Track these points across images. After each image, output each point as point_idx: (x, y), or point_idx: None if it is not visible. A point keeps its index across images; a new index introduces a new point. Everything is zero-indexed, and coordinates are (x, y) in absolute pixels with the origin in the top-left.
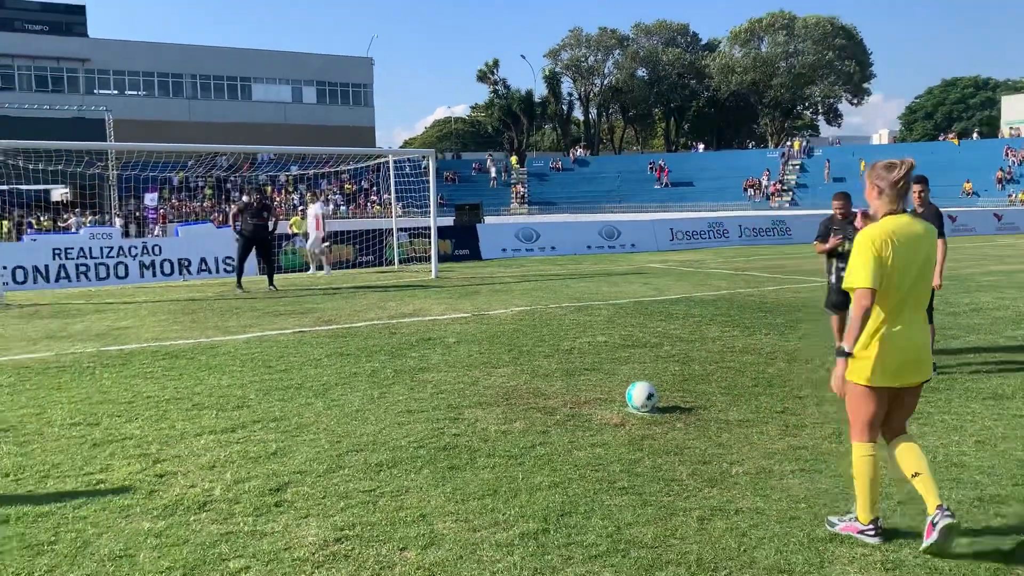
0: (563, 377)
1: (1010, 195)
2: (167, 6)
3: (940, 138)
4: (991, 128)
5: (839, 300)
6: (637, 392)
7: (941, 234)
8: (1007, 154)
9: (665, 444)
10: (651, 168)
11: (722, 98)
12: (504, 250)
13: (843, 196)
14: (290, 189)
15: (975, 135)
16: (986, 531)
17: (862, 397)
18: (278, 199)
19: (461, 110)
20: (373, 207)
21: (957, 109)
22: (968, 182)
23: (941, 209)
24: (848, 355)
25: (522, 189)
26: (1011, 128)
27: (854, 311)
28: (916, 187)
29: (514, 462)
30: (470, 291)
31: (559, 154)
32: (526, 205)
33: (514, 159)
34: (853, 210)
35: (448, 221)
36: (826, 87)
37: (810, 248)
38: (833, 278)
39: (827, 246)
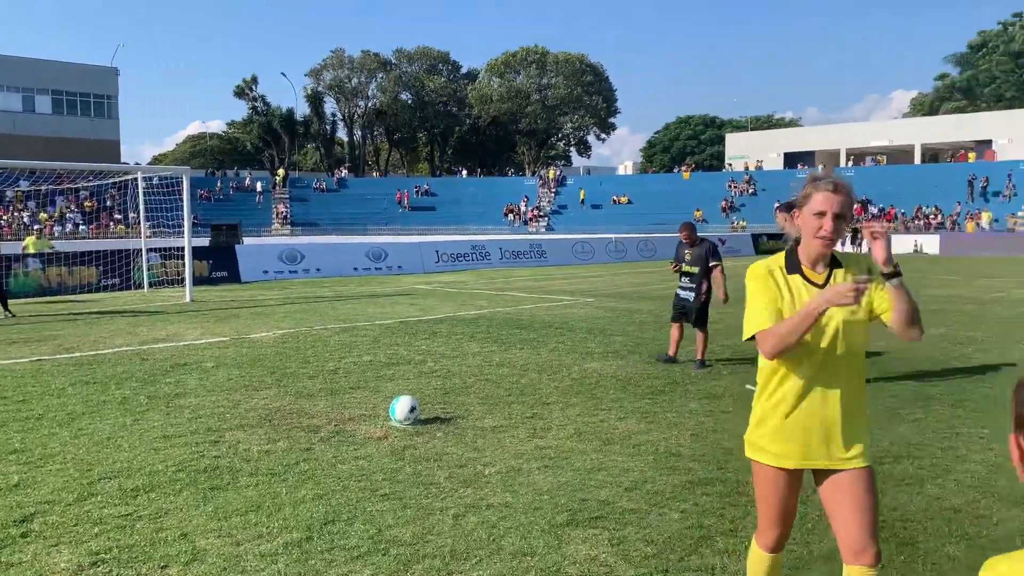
0: (327, 396)
1: (733, 222)
2: None
3: (675, 170)
4: (718, 162)
5: (676, 315)
6: (400, 406)
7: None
8: (730, 186)
9: (425, 452)
10: (417, 192)
11: (483, 126)
12: (266, 272)
13: (688, 226)
14: (19, 206)
15: (707, 167)
16: (694, 508)
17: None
18: (5, 217)
19: (217, 126)
20: (116, 227)
21: (690, 144)
22: (698, 210)
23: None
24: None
25: (284, 209)
26: (731, 163)
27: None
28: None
29: (277, 479)
30: (229, 314)
31: (323, 174)
32: (288, 225)
33: (280, 173)
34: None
35: (204, 242)
36: (577, 119)
37: (562, 270)
38: (682, 293)
39: (673, 268)
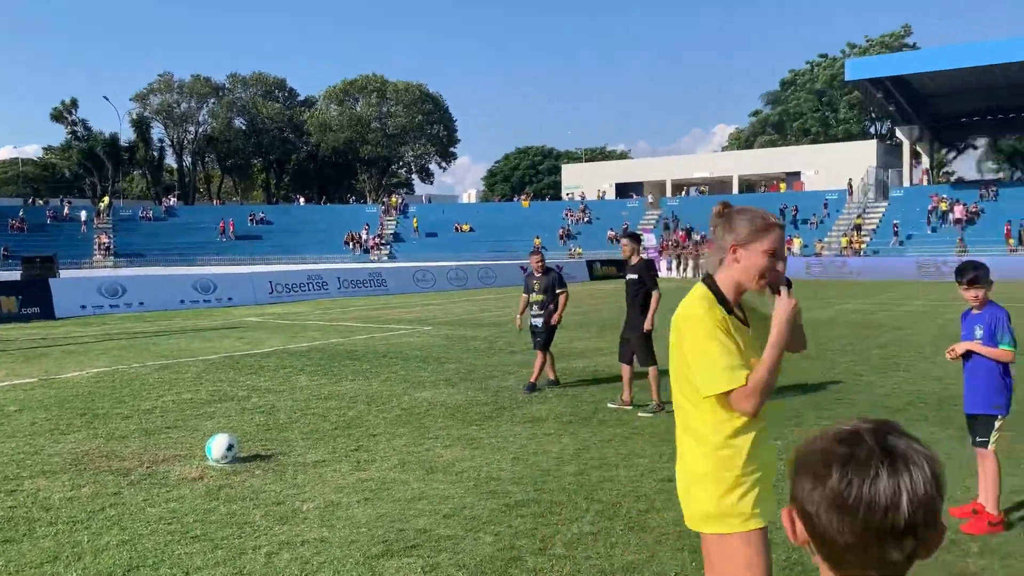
0: (141, 437)
1: (570, 250)
2: None
3: (515, 199)
4: (555, 191)
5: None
6: (216, 445)
7: (655, 286)
8: (567, 215)
9: (242, 491)
10: (251, 220)
11: (322, 153)
12: (84, 307)
13: (539, 255)
14: None
15: (548, 198)
16: (507, 531)
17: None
18: None
19: (32, 151)
20: None
21: (529, 174)
22: (537, 238)
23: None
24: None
25: (107, 240)
26: (568, 192)
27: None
28: (624, 243)
29: (79, 526)
30: (39, 353)
31: (149, 203)
32: (112, 257)
33: (104, 201)
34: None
35: (15, 275)
36: (418, 148)
37: (402, 298)
38: (534, 320)
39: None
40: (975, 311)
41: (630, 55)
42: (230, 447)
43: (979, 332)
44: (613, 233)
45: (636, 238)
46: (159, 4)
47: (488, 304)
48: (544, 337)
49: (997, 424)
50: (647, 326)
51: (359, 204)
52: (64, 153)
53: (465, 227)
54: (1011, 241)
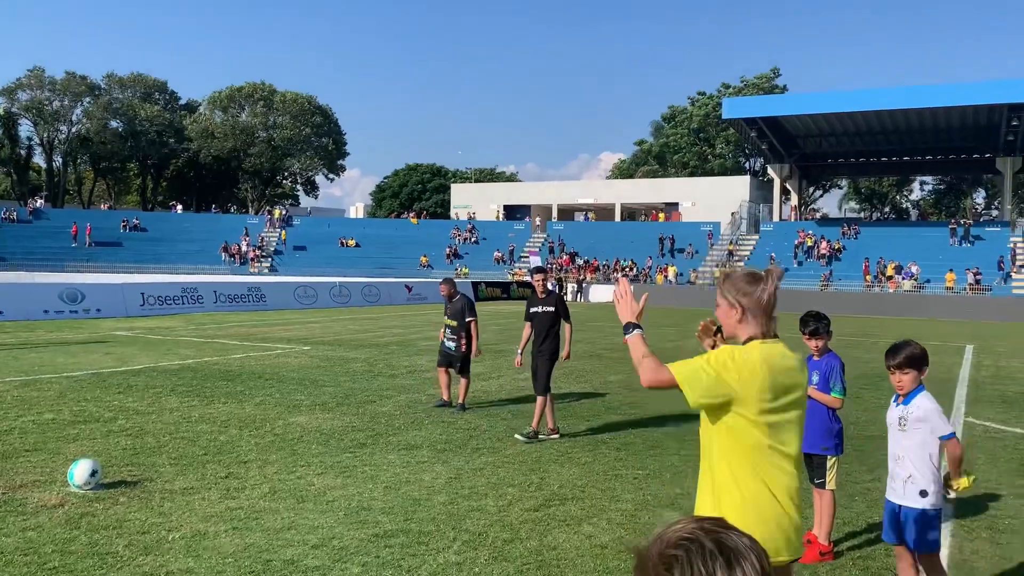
0: None
1: (456, 269)
2: None
3: (403, 215)
4: (443, 209)
5: (441, 360)
6: (79, 470)
7: (567, 317)
8: (455, 234)
9: (106, 519)
10: (124, 226)
11: (203, 160)
12: None
13: (448, 282)
14: None
15: (426, 216)
16: (375, 561)
17: None
18: None
19: None
20: None
21: (417, 190)
22: (424, 256)
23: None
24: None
25: None
26: (457, 211)
27: (652, 364)
28: (538, 276)
29: None
30: None
31: (14, 203)
32: None
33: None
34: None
35: None
36: (304, 160)
37: (282, 315)
38: (447, 343)
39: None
40: (815, 358)
41: (523, 78)
42: (93, 472)
43: (815, 378)
44: (500, 254)
45: (546, 271)
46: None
47: (370, 324)
48: (462, 362)
49: (830, 463)
50: (565, 354)
51: (240, 214)
52: None
53: (351, 242)
54: (868, 277)
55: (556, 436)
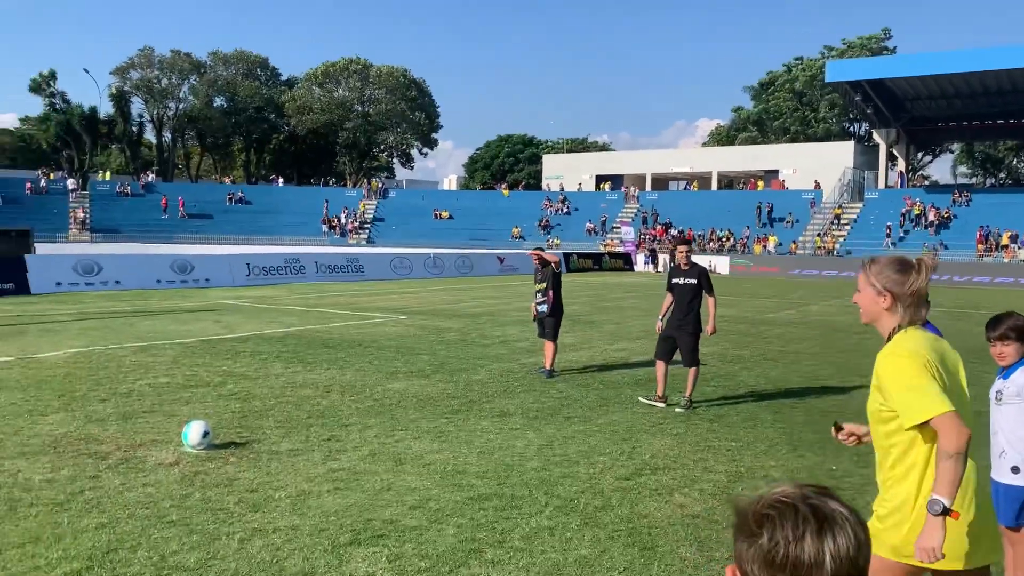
0: (119, 421)
1: (548, 240)
2: None
3: (495, 187)
4: (535, 181)
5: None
6: (192, 431)
7: (711, 291)
8: (546, 205)
9: (217, 478)
10: (229, 199)
11: (302, 135)
12: (59, 284)
13: (539, 249)
14: None
15: (522, 187)
16: (469, 523)
17: None
18: None
19: (9, 120)
20: None
21: (509, 162)
22: (516, 228)
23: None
24: (948, 512)
25: (83, 214)
26: (548, 182)
27: (948, 446)
28: (682, 248)
29: (60, 508)
30: (15, 331)
31: (128, 178)
32: (88, 232)
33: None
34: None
35: None
36: (398, 135)
37: (379, 285)
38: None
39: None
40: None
41: (616, 45)
42: (205, 434)
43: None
44: (592, 225)
45: (690, 243)
46: None
47: (463, 294)
48: (548, 327)
49: None
50: (710, 329)
51: (339, 187)
52: (41, 125)
53: (444, 214)
54: (980, 247)
55: (662, 405)
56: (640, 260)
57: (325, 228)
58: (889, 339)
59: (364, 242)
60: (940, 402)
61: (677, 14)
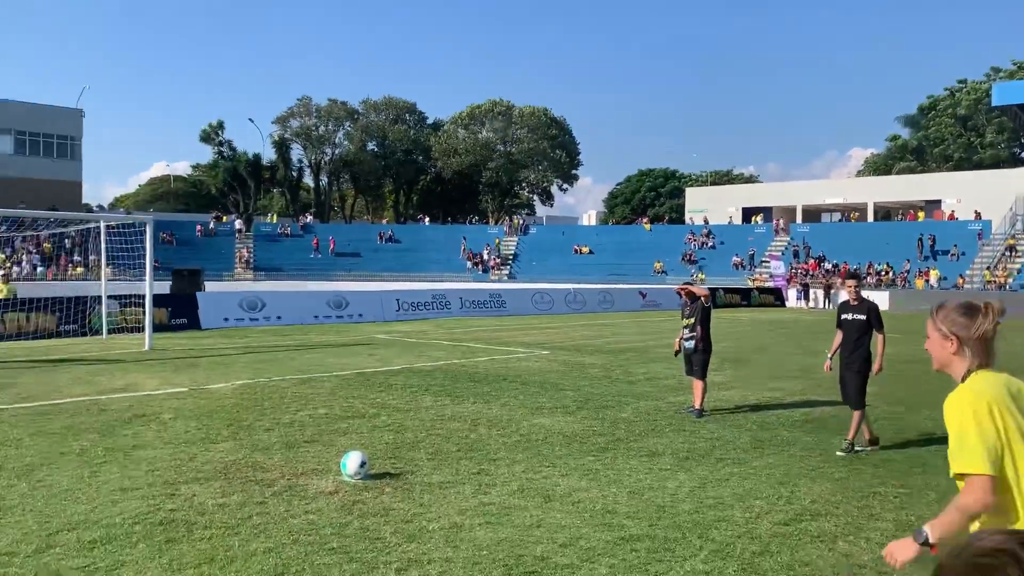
0: (283, 450)
1: (692, 275)
2: None
3: (636, 222)
4: (677, 215)
5: (686, 367)
6: (350, 461)
7: (880, 328)
8: (690, 239)
9: (373, 507)
10: (380, 238)
11: (447, 176)
12: (227, 320)
13: (688, 284)
14: None
15: (666, 220)
16: (621, 564)
17: None
18: None
19: (183, 168)
20: (75, 269)
21: (650, 196)
22: (658, 262)
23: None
24: (929, 545)
25: (247, 254)
26: (692, 216)
27: (967, 503)
28: (851, 283)
29: (231, 532)
30: (188, 364)
31: (288, 220)
32: (251, 271)
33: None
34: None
35: (164, 288)
36: (539, 173)
37: (521, 320)
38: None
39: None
40: None
41: (761, 73)
42: (363, 464)
43: None
44: (739, 259)
45: (859, 278)
46: (293, 30)
47: (605, 330)
48: (696, 364)
49: None
50: (876, 368)
51: (481, 225)
52: (211, 171)
53: (584, 249)
54: None
55: (874, 448)
56: (792, 295)
57: (468, 264)
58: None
59: (506, 278)
60: (978, 460)
61: (826, 41)
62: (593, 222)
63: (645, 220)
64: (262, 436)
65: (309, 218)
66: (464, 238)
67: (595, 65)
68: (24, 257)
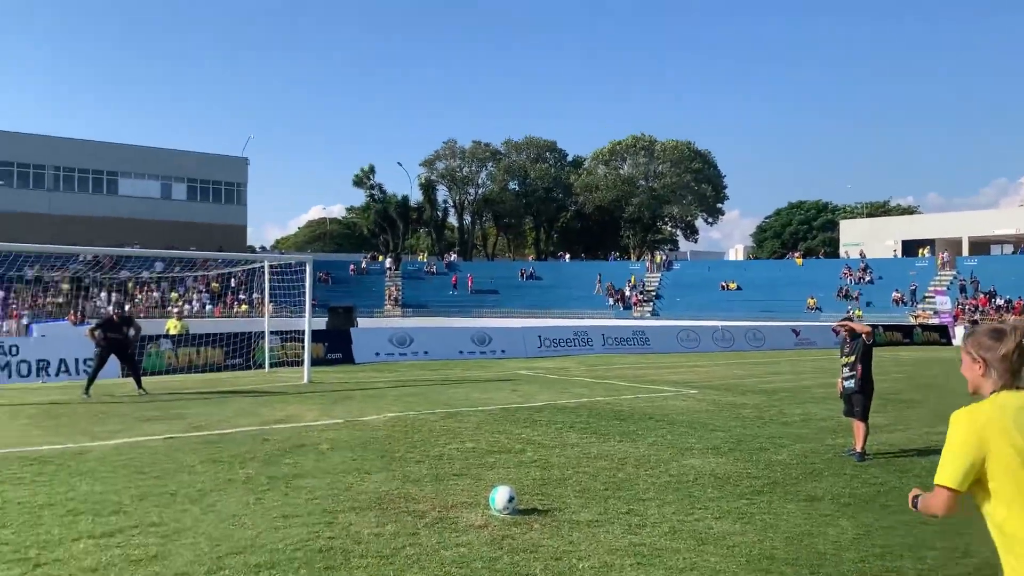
0: (432, 482)
1: (848, 311)
2: (29, 96)
3: (787, 256)
4: (831, 248)
5: (846, 407)
6: (499, 496)
7: None
8: (845, 274)
9: (523, 543)
10: (521, 275)
11: (588, 212)
12: (377, 354)
13: (847, 319)
14: (153, 287)
15: (822, 254)
16: None
17: None
18: (140, 296)
19: (337, 211)
20: (240, 307)
21: (802, 230)
22: (812, 298)
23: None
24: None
25: (396, 291)
26: (847, 249)
27: (931, 506)
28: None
29: (386, 562)
30: (343, 396)
31: (434, 258)
32: (399, 307)
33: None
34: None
35: (321, 324)
36: (683, 207)
37: (665, 358)
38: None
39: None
40: None
41: (919, 97)
42: (511, 499)
43: None
44: (899, 295)
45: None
46: (437, 81)
47: (756, 368)
48: (856, 404)
49: None
50: None
51: (623, 260)
52: (363, 213)
53: (732, 285)
54: None
55: None
56: (959, 333)
57: (610, 301)
58: None
59: (648, 315)
60: (949, 474)
61: (991, 59)
62: (740, 257)
63: (797, 254)
64: (413, 468)
65: (453, 256)
66: (599, 275)
67: (741, 95)
68: (195, 296)
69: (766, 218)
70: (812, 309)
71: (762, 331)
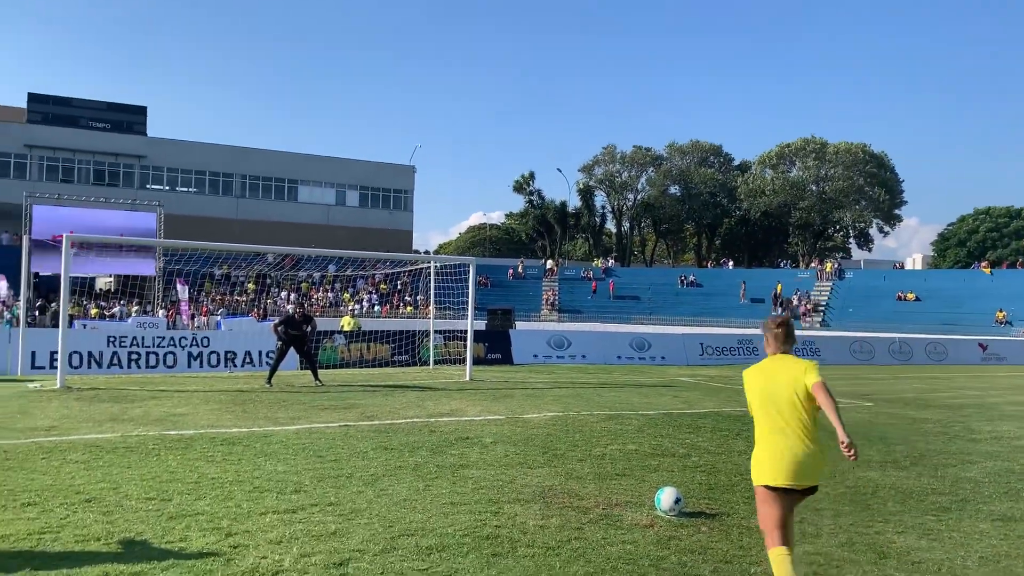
0: (595, 480)
1: None
2: (221, 110)
3: (972, 266)
4: None
5: None
6: (665, 496)
7: None
8: None
9: (690, 544)
10: (681, 282)
11: (753, 217)
12: (535, 356)
13: None
14: (327, 287)
15: (1019, 264)
16: None
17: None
18: (317, 296)
19: (497, 217)
20: (406, 307)
21: (991, 238)
22: (1001, 311)
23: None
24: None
25: (553, 296)
26: None
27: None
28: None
29: (552, 553)
30: (504, 394)
31: (591, 264)
32: (556, 312)
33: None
34: None
35: (481, 325)
36: (856, 212)
37: (837, 370)
38: None
39: None
40: None
41: None
42: (677, 500)
43: None
44: None
45: None
46: (597, 91)
47: (938, 383)
48: None
49: None
50: None
51: (791, 269)
52: (522, 219)
53: (910, 296)
54: None
55: None
56: None
57: (777, 310)
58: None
59: (818, 325)
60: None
61: None
62: (919, 266)
63: (984, 264)
64: (575, 465)
65: (611, 262)
66: (743, 283)
67: (919, 96)
68: (364, 296)
69: (949, 225)
70: (1001, 323)
71: (944, 344)
